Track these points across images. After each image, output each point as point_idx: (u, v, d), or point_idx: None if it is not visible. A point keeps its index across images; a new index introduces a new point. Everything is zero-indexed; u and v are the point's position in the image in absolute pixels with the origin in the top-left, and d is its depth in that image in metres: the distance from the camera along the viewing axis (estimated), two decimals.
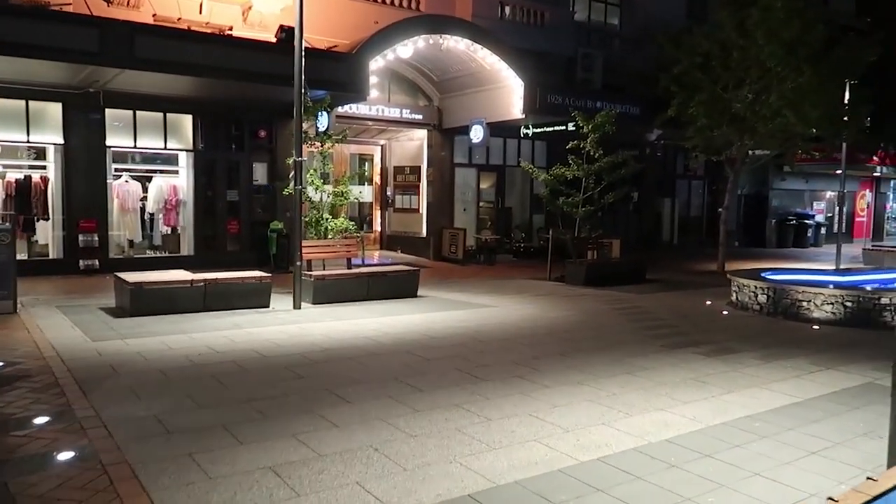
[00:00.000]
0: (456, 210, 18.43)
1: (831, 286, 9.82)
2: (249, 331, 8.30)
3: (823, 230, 27.08)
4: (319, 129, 13.23)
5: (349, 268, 11.57)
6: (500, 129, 17.46)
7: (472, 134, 16.50)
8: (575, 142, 14.71)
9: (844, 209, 29.86)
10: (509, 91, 15.89)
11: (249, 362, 6.80)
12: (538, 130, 17.61)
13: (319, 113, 13.01)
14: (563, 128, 16.47)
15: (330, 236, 11.79)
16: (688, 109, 15.81)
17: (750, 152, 17.10)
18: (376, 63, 14.14)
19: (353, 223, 12.44)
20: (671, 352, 7.68)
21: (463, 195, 18.73)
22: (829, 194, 28.94)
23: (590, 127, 14.43)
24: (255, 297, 9.93)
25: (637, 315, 10.11)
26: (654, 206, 23.28)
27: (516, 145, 19.19)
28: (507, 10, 18.12)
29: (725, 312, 10.51)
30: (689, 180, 24.36)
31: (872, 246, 20.13)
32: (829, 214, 28.57)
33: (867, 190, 30.02)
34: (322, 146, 12.30)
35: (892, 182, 31.15)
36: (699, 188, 24.71)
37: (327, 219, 11.81)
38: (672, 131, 18.36)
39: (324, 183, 12.20)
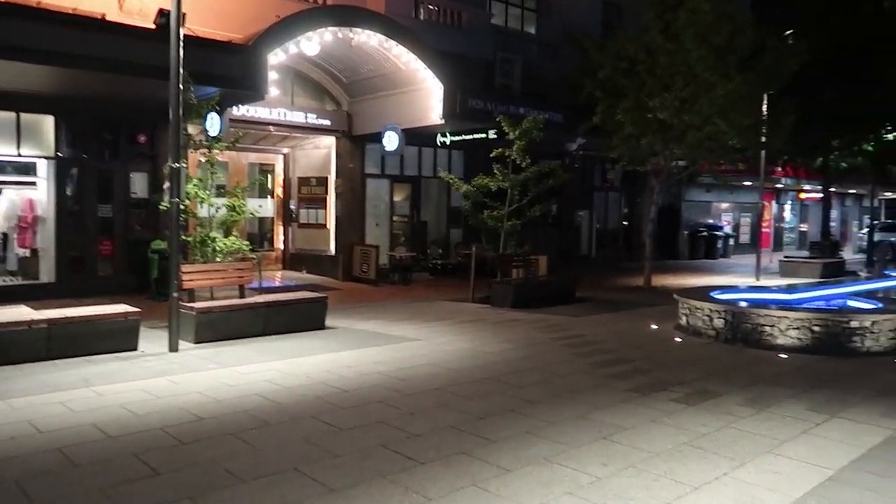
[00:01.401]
0: (368, 225, 16.50)
1: (799, 309, 8.62)
2: (100, 391, 6.11)
3: (732, 241, 26.92)
4: (210, 134, 11.07)
5: (242, 296, 9.47)
6: (415, 137, 15.73)
7: (385, 141, 14.66)
8: (500, 149, 13.19)
9: (751, 221, 30.11)
10: (427, 94, 14.19)
11: (84, 448, 4.68)
12: (457, 138, 15.99)
13: (208, 114, 10.87)
14: (485, 135, 14.92)
15: (219, 258, 9.64)
16: (613, 116, 14.66)
17: (675, 162, 16.15)
18: (276, 57, 12.09)
19: (247, 243, 10.31)
20: (643, 400, 6.11)
21: (375, 209, 16.84)
22: (735, 206, 28.94)
23: (516, 133, 12.95)
24: (118, 339, 7.69)
25: (583, 347, 8.56)
26: (572, 219, 22.20)
27: (432, 154, 17.51)
28: (422, 9, 16.47)
29: (678, 340, 9.14)
30: (607, 192, 23.48)
31: (788, 257, 19.77)
32: (734, 225, 28.58)
33: (770, 201, 30.31)
34: (210, 152, 10.16)
35: (790, 193, 31.65)
36: (616, 200, 23.87)
37: (215, 238, 9.65)
38: (596, 140, 17.23)
39: (213, 195, 10.05)
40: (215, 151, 10.15)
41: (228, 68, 11.15)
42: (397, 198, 17.43)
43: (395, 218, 17.41)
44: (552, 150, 17.44)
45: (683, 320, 9.72)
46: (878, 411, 5.92)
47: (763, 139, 15.84)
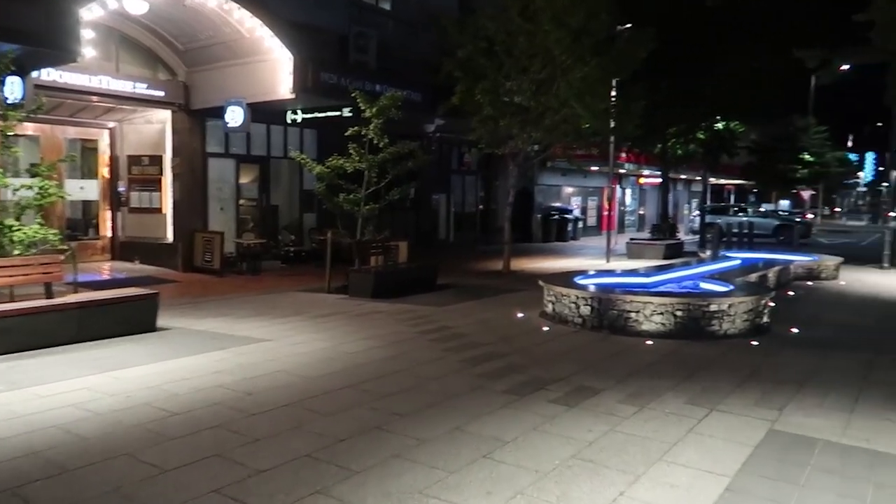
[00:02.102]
0: (211, 209, 14.86)
1: (663, 295, 8.48)
2: None
3: (580, 224, 27.74)
4: (7, 100, 9.18)
5: (50, 296, 7.83)
6: (264, 114, 14.34)
7: (228, 117, 13.14)
8: (356, 128, 12.20)
9: (597, 204, 31.24)
10: (275, 66, 12.83)
11: None
12: (309, 116, 14.76)
13: (6, 77, 8.99)
14: (339, 113, 13.84)
15: (17, 251, 7.92)
16: (472, 97, 14.16)
17: (531, 147, 15.99)
18: (91, 13, 10.27)
19: (55, 231, 8.61)
20: (522, 403, 5.52)
21: (219, 192, 15.21)
22: (582, 190, 29.88)
23: (373, 111, 12.02)
24: None
25: (452, 341, 7.90)
26: (430, 203, 21.66)
27: (282, 133, 16.13)
28: None
29: (546, 329, 8.73)
30: (464, 176, 23.17)
31: (633, 239, 20.50)
32: (582, 209, 29.52)
33: (614, 185, 31.61)
34: (4, 122, 8.34)
35: (630, 179, 33.23)
36: (473, 184, 23.65)
37: (12, 226, 7.91)
38: (454, 122, 16.72)
39: (8, 175, 8.26)
40: (12, 122, 8.35)
41: (29, 21, 9.23)
42: (244, 180, 15.90)
43: (241, 202, 15.87)
44: (410, 132, 16.65)
45: (549, 307, 9.35)
46: (752, 399, 5.73)
47: (613, 124, 16.06)
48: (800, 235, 28.07)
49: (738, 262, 14.66)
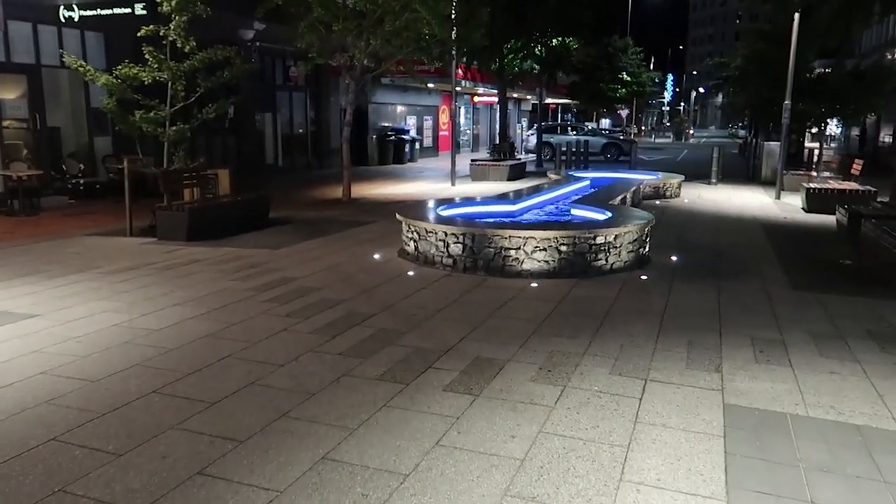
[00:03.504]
0: None
1: (545, 228, 7.18)
2: None
3: (417, 145, 26.23)
4: None
5: None
6: (24, 9, 10.94)
7: None
8: (151, 27, 9.49)
9: (432, 124, 29.80)
10: None
11: None
12: (89, 13, 11.56)
13: None
14: (129, 9, 10.89)
15: None
16: None
17: (368, 58, 13.95)
18: None
19: None
20: (408, 395, 3.95)
21: None
22: (418, 108, 28.22)
23: (172, 4, 9.36)
24: None
25: (296, 300, 6.09)
26: (254, 124, 18.91)
27: (55, 35, 12.66)
28: None
29: (412, 273, 7.18)
30: (291, 92, 20.49)
31: (475, 161, 19.34)
32: (418, 129, 27.96)
33: (448, 104, 30.29)
34: None
35: (465, 97, 32.06)
36: (302, 101, 21.06)
37: None
38: (278, 28, 14.15)
39: None
40: None
41: None
42: (7, 95, 12.36)
43: (6, 124, 12.38)
44: (224, 38, 13.87)
45: (411, 246, 7.79)
46: (682, 359, 4.65)
47: (457, 33, 14.47)
48: (625, 153, 28.91)
49: (588, 182, 14.02)
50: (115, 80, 9.50)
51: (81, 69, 9.61)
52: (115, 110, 9.65)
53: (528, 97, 37.49)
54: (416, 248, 7.65)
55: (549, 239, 6.95)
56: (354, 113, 14.24)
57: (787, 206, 13.66)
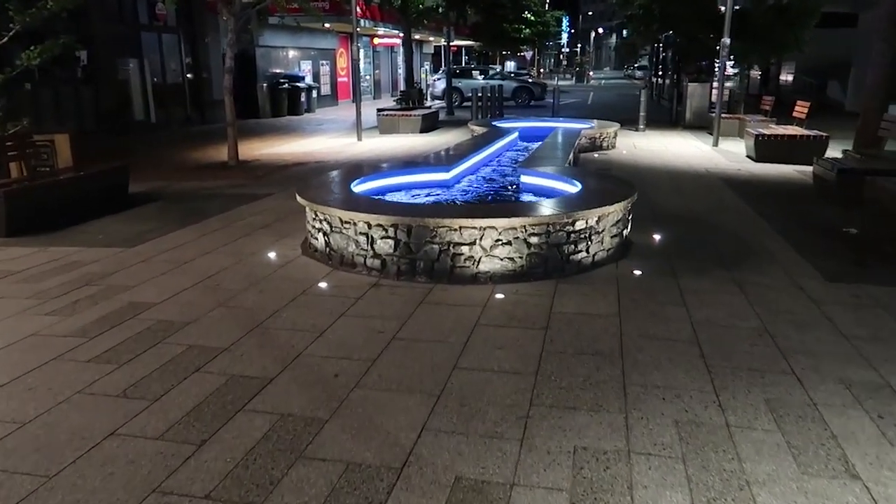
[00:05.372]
0: None
1: (509, 213, 5.12)
2: None
3: (314, 94, 23.32)
4: None
5: None
6: None
7: None
8: None
9: (329, 70, 26.78)
10: None
11: None
12: None
13: None
14: None
15: None
16: None
17: None
18: None
19: None
20: None
21: None
22: (312, 53, 25.13)
23: None
24: None
25: (147, 357, 3.82)
26: (115, 72, 15.58)
27: None
28: None
29: (324, 286, 4.99)
30: (160, 34, 17.12)
31: (382, 111, 16.89)
32: (314, 75, 24.95)
33: (346, 48, 27.31)
34: None
35: (363, 39, 29.08)
36: (175, 45, 17.71)
37: None
38: None
39: None
40: None
41: None
42: None
43: None
44: None
45: (320, 240, 5.59)
46: (782, 450, 2.84)
47: None
48: (536, 97, 27.16)
49: (517, 134, 12.11)
50: None
51: None
52: None
53: (431, 39, 34.91)
54: (328, 244, 5.46)
55: (516, 228, 4.95)
56: (241, 58, 11.64)
57: (731, 154, 12.32)
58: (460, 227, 4.90)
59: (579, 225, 5.17)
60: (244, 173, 10.35)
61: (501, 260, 4.99)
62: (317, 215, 5.53)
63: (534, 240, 5.01)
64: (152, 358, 3.73)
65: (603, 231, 5.39)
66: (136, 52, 16.16)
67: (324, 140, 14.87)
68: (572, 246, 5.18)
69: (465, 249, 4.95)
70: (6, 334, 4.06)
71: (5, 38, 7.47)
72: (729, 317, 4.33)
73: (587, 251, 5.30)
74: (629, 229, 6.02)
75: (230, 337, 4.01)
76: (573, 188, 6.17)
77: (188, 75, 18.14)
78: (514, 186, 7.42)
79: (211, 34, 18.22)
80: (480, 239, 4.93)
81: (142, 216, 7.37)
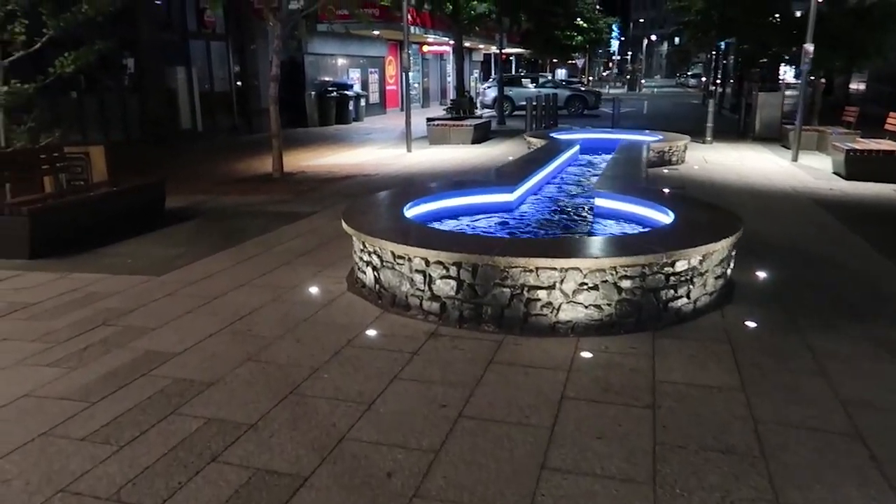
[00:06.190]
0: None
1: (596, 255, 4.21)
2: None
3: (363, 102, 22.77)
4: None
5: None
6: None
7: None
8: None
9: (378, 77, 26.24)
10: None
11: None
12: None
13: None
14: None
15: None
16: None
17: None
18: None
19: None
20: None
21: None
22: (361, 60, 24.62)
23: None
24: None
25: (154, 433, 3.08)
26: (162, 80, 15.24)
27: None
28: None
29: (372, 334, 4.19)
30: (208, 42, 16.76)
31: (432, 120, 16.17)
32: (362, 84, 24.42)
33: (395, 55, 26.73)
34: None
35: (413, 46, 28.46)
36: (223, 52, 17.34)
37: None
38: None
39: None
40: None
41: None
42: None
43: None
44: None
45: (368, 275, 4.79)
46: None
47: None
48: (590, 107, 26.08)
49: (578, 147, 11.19)
50: None
51: None
52: None
53: (480, 46, 34.16)
54: (378, 281, 4.66)
55: (605, 270, 4.06)
56: (289, 66, 11.08)
57: (814, 170, 11.13)
58: (536, 269, 4.04)
59: (680, 266, 4.24)
60: (288, 187, 9.71)
61: (586, 308, 4.10)
62: (365, 246, 4.74)
63: (625, 283, 4.11)
64: (160, 438, 2.97)
65: (706, 272, 4.45)
66: (184, 59, 15.81)
67: (372, 151, 14.19)
68: (671, 291, 4.25)
69: (542, 294, 4.08)
70: (2, 389, 3.37)
71: (38, 45, 6.95)
72: (889, 394, 3.35)
73: (688, 296, 4.36)
74: (731, 267, 5.05)
75: (258, 407, 3.23)
76: (663, 216, 5.23)
77: (237, 83, 17.74)
78: (588, 210, 6.51)
79: (259, 41, 17.80)
80: (561, 282, 4.05)
81: (175, 237, 6.73)
